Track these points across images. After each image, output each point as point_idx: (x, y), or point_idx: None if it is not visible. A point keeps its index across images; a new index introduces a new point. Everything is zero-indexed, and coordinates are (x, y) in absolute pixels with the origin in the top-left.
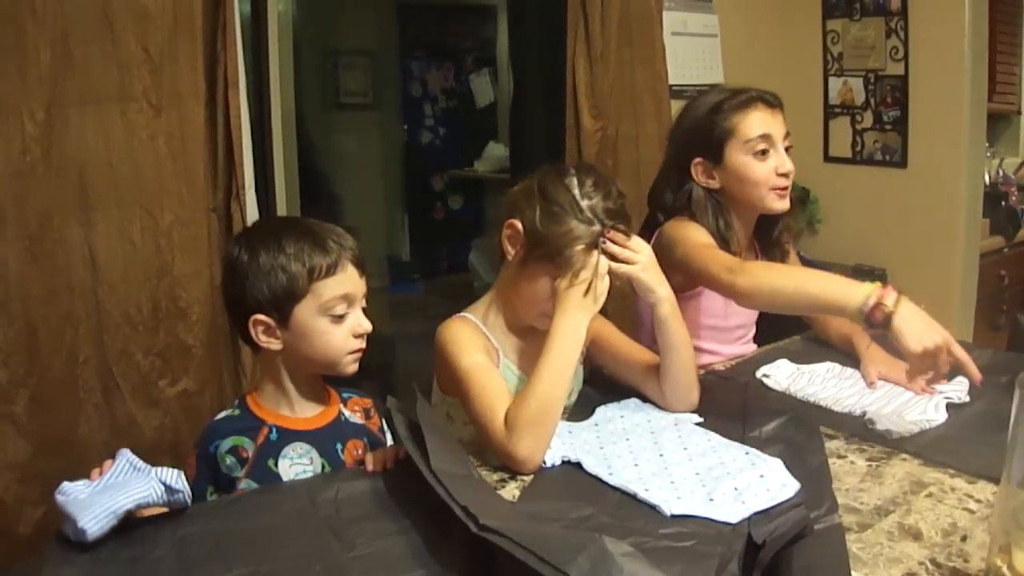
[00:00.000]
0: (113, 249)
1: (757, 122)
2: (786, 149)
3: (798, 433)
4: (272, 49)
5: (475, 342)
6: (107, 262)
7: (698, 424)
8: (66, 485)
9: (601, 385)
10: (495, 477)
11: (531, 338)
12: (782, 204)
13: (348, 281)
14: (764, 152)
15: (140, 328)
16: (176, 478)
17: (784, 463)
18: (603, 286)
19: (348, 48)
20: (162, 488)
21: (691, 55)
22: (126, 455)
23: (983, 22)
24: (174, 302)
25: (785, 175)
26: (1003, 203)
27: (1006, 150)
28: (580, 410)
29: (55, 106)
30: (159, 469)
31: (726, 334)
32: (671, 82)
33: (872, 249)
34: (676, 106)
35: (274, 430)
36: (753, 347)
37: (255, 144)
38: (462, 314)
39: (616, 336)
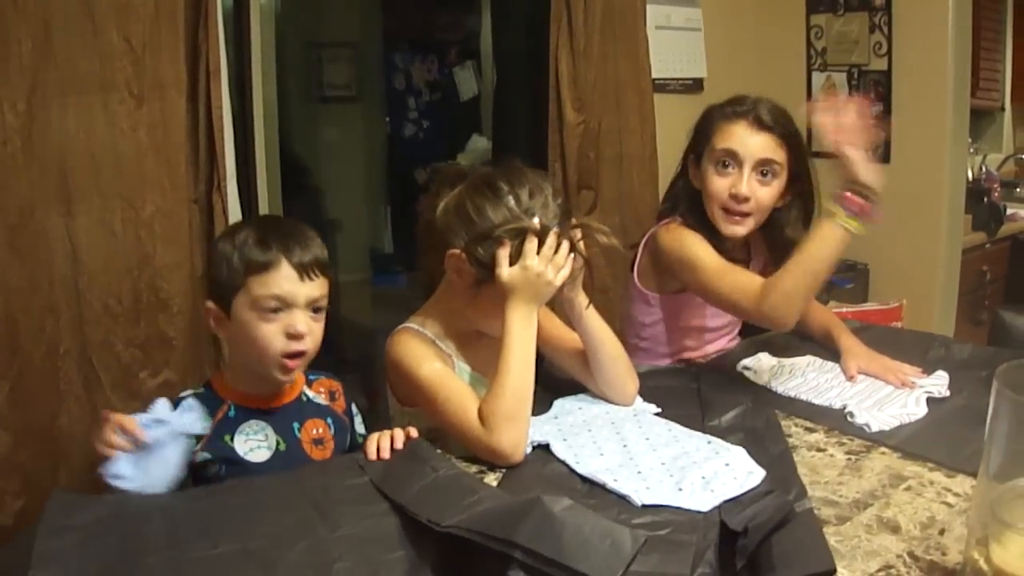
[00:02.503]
0: (94, 240)
1: (732, 136)
2: (763, 174)
3: (756, 421)
4: (254, 40)
5: (428, 351)
6: (88, 253)
7: (656, 415)
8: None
9: (551, 385)
10: (473, 470)
11: (478, 340)
12: (730, 229)
13: (283, 282)
14: (725, 166)
15: (121, 319)
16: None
17: (747, 451)
18: (550, 273)
19: (332, 40)
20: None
21: (674, 49)
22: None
23: (967, 18)
24: (155, 293)
25: (737, 199)
26: (985, 199)
27: (989, 146)
28: (536, 405)
29: (36, 97)
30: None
31: (711, 333)
32: (654, 76)
33: (854, 244)
34: (659, 99)
35: (232, 407)
36: (737, 342)
37: (237, 136)
38: (406, 325)
39: (554, 324)
